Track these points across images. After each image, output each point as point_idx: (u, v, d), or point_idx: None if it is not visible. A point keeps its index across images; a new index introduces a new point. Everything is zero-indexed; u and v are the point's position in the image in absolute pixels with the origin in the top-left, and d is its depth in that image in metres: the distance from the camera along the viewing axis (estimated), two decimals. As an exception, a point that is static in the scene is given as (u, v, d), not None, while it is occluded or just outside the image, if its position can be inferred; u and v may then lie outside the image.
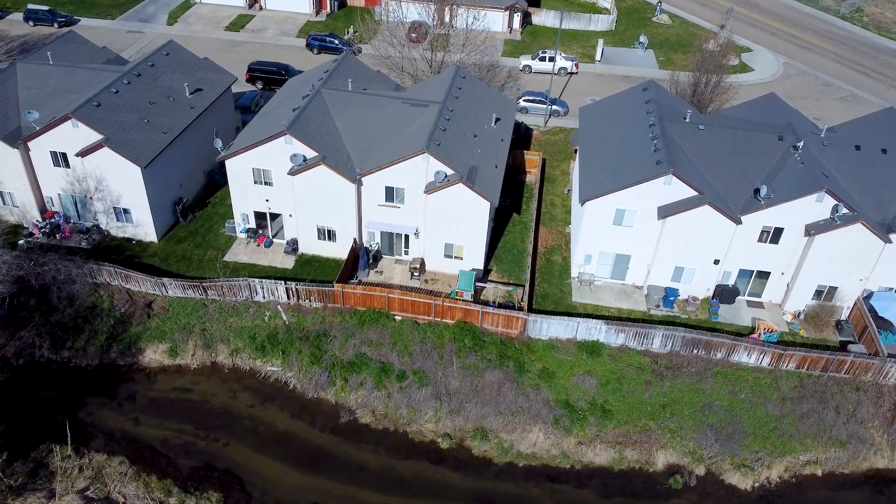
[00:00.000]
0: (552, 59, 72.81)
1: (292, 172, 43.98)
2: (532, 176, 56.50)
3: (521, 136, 61.62)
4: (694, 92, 57.41)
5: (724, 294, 45.02)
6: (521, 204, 53.43)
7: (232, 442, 39.67)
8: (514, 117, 53.70)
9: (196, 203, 52.09)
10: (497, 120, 50.59)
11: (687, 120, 47.08)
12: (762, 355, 40.99)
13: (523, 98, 65.73)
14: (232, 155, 45.02)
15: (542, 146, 61.39)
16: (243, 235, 48.70)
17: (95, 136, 44.92)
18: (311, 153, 43.78)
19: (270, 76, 66.56)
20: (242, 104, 61.50)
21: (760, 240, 43.38)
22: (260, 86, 66.98)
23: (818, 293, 44.34)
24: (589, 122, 51.83)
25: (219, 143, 46.21)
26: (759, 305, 45.71)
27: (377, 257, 47.30)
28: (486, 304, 43.81)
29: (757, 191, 42.76)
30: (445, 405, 40.77)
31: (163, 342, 43.65)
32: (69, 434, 38.38)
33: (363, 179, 44.47)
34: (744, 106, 52.10)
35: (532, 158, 56.38)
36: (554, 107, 65.59)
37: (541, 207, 53.07)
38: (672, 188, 42.06)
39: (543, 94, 65.78)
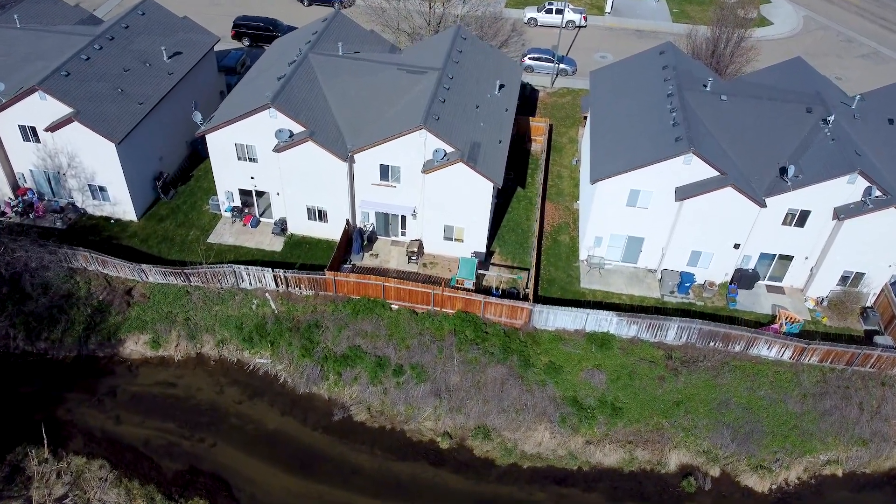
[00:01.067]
0: (559, 12, 68.27)
1: (277, 149, 40.50)
2: (538, 144, 52.89)
3: (527, 99, 57.72)
4: (713, 53, 53.20)
5: (744, 279, 42.09)
6: (525, 177, 50.00)
7: (219, 442, 37.34)
8: (519, 83, 49.74)
9: (178, 177, 48.71)
10: (501, 87, 46.72)
11: (708, 88, 43.34)
12: (784, 349, 38.34)
13: (528, 56, 61.57)
14: (212, 129, 41.46)
15: (548, 110, 57.55)
16: (228, 214, 45.50)
17: (65, 110, 41.35)
18: (297, 128, 40.24)
19: (258, 32, 62.25)
20: (227, 64, 57.32)
21: (785, 223, 40.20)
22: (246, 43, 62.74)
23: (843, 279, 41.42)
24: (601, 88, 47.90)
25: (198, 117, 42.52)
26: (780, 291, 42.83)
27: (372, 238, 44.20)
28: (488, 291, 40.98)
29: (783, 170, 39.41)
30: (445, 402, 38.32)
31: (144, 332, 40.93)
32: (45, 437, 36.06)
33: (355, 157, 41.02)
34: (768, 71, 48.02)
35: (538, 125, 52.65)
36: (561, 65, 61.40)
37: (547, 180, 49.68)
38: (692, 167, 38.66)
39: (550, 52, 61.53)
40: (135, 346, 40.97)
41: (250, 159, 42.55)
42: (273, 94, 39.98)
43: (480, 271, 41.67)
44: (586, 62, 62.96)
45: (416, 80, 43.60)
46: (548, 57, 61.22)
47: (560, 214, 47.32)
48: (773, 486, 37.19)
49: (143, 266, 40.88)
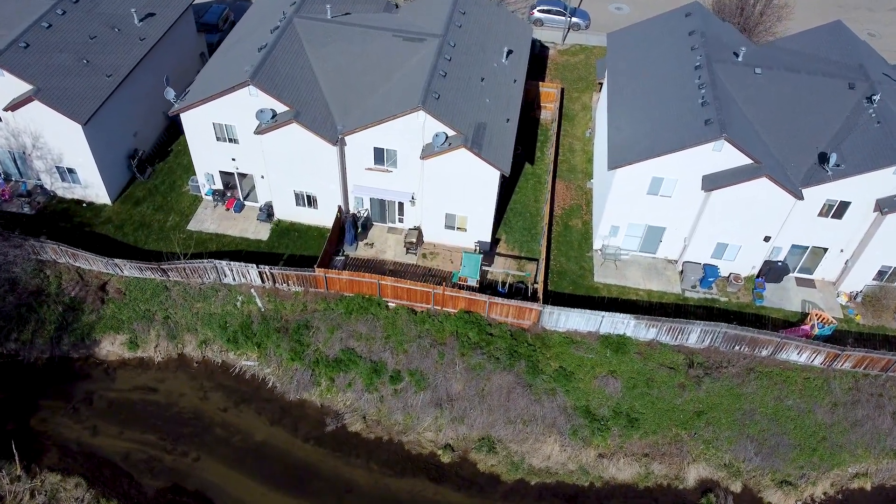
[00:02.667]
0: (571, -44, 62.33)
1: (259, 132, 36.45)
2: (548, 112, 48.49)
3: (535, 58, 52.80)
4: (741, 11, 48.12)
5: (772, 272, 38.64)
6: (534, 150, 45.88)
7: (203, 456, 34.69)
8: (528, 47, 44.97)
9: (156, 153, 44.71)
10: (509, 53, 42.15)
11: (740, 59, 38.79)
12: (815, 354, 35.22)
13: (537, 8, 56.43)
14: (187, 108, 37.31)
15: (559, 70, 52.82)
16: (209, 197, 41.72)
17: (25, 87, 37.14)
18: (281, 107, 36.10)
19: (241, -18, 56.91)
20: (208, 21, 52.28)
21: (821, 214, 36.51)
22: (230, -6, 57.45)
23: (880, 274, 37.96)
24: (619, 55, 43.21)
25: (170, 94, 38.24)
26: (811, 284, 39.44)
27: (367, 225, 40.53)
28: (493, 285, 37.60)
29: (823, 157, 35.41)
30: (447, 412, 35.49)
31: (121, 332, 37.82)
32: (16, 453, 33.45)
33: (346, 139, 37.00)
34: (804, 36, 43.09)
35: (548, 91, 48.10)
36: (574, 19, 56.23)
37: (558, 156, 45.57)
38: (722, 154, 34.68)
39: (562, 3, 56.28)
40: (111, 347, 37.96)
41: (230, 140, 38.58)
42: (253, 70, 35.70)
43: (485, 267, 38.17)
44: (600, 15, 57.80)
45: (414, 48, 39.11)
46: (559, 9, 56.06)
47: (572, 195, 43.48)
48: (798, 503, 34.70)
49: (117, 260, 37.42)
